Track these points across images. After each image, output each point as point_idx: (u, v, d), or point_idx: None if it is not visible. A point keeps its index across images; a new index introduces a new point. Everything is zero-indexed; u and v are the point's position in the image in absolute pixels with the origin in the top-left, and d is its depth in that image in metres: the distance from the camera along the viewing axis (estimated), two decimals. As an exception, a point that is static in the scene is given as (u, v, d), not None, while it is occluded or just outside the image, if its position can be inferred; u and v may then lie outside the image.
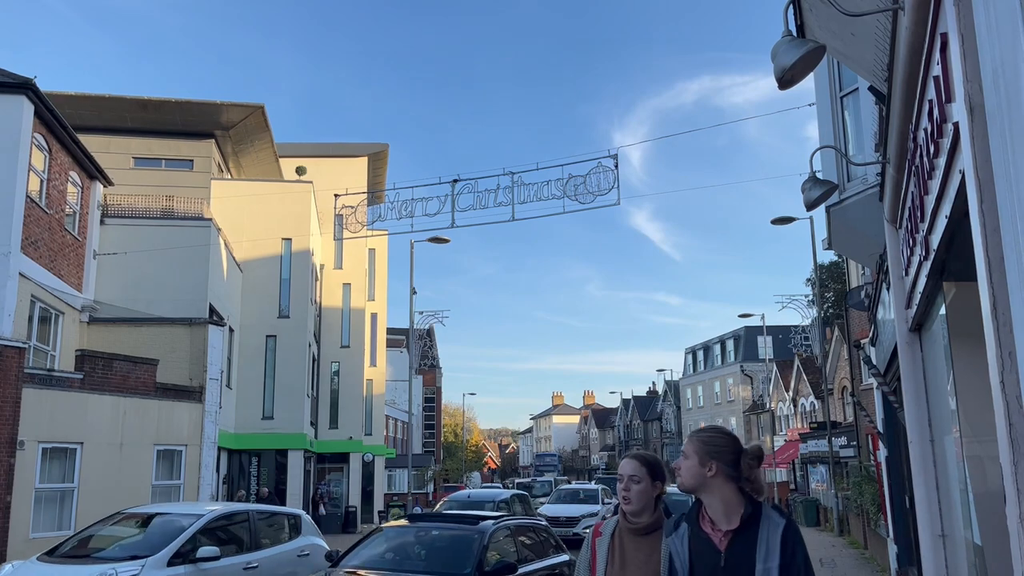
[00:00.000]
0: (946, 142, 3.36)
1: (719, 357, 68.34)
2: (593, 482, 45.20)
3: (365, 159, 36.85)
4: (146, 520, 10.55)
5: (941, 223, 3.94)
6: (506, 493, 20.56)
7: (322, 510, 31.27)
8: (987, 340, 2.63)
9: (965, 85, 2.71)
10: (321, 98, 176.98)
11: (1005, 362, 2.45)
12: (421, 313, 35.06)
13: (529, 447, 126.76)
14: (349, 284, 36.46)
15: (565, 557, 9.93)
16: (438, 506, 20.25)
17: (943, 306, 5.16)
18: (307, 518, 12.53)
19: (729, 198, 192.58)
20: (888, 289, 8.09)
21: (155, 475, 18.55)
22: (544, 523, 10.97)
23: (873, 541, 19.62)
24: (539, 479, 48.96)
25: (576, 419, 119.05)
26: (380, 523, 20.44)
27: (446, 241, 26.09)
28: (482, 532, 8.39)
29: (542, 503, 28.75)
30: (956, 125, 3.04)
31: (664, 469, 3.30)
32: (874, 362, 12.39)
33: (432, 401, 68.02)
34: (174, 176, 27.93)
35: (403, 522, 9.70)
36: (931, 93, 3.67)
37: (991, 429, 2.76)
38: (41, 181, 17.38)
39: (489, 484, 62.47)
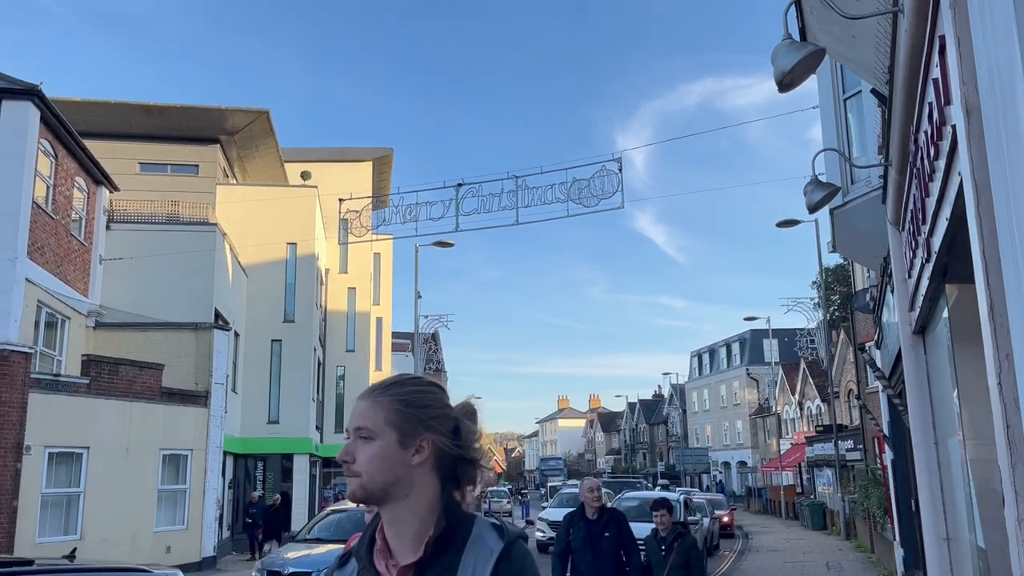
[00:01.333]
0: (945, 144, 3.36)
1: (725, 360, 68.20)
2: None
3: (370, 164, 36.93)
4: None
5: (942, 225, 3.94)
6: None
7: None
8: (985, 342, 2.63)
9: (962, 88, 2.72)
10: (326, 103, 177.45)
11: (1002, 364, 2.45)
12: (426, 317, 35.04)
13: (535, 451, 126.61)
14: (354, 288, 36.50)
15: None
16: (315, 519, 16.14)
17: (946, 308, 5.15)
18: None
19: (733, 200, 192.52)
20: (892, 292, 8.08)
21: (161, 480, 18.59)
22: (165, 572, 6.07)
23: (880, 545, 19.54)
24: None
25: (582, 423, 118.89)
26: None
27: (450, 245, 26.09)
28: None
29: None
30: (954, 127, 3.05)
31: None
32: (879, 365, 12.36)
33: (438, 405, 67.95)
34: (179, 181, 28.02)
35: None
36: (931, 96, 3.67)
37: (993, 432, 2.76)
38: (47, 187, 17.45)
39: (494, 488, 62.35)
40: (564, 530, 7.09)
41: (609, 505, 8.22)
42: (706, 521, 21.82)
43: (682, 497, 20.13)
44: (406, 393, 1.62)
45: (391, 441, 1.57)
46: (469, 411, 1.68)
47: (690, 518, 18.17)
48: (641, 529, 7.84)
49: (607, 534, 6.79)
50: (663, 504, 7.69)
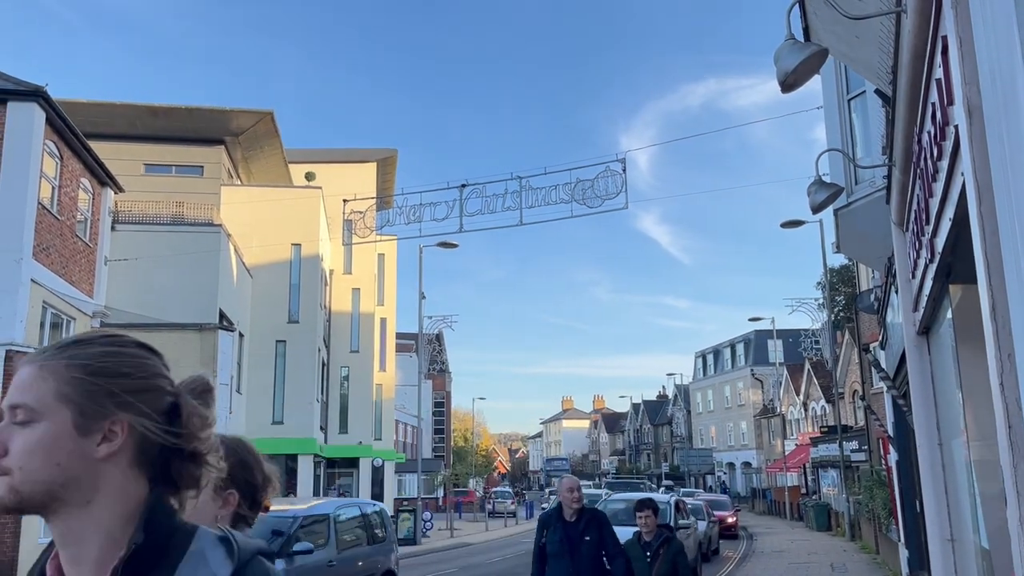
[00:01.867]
0: (948, 145, 3.36)
1: (729, 361, 68.16)
2: (603, 486, 45.14)
3: (374, 164, 36.99)
4: None
5: (945, 226, 3.93)
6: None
7: None
8: (987, 342, 2.63)
9: (964, 88, 2.71)
10: (330, 104, 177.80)
11: (1004, 364, 2.45)
12: (430, 318, 35.12)
13: (539, 452, 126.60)
14: (358, 289, 36.57)
15: None
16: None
17: (950, 309, 5.15)
18: None
19: (737, 201, 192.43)
20: (896, 292, 8.07)
21: (165, 480, 18.61)
22: None
23: (884, 546, 19.50)
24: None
25: (586, 423, 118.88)
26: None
27: (454, 246, 26.12)
28: None
29: None
30: (957, 128, 3.05)
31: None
32: (883, 366, 12.34)
33: (442, 405, 68.12)
34: (184, 182, 28.10)
35: None
36: (934, 96, 3.67)
37: (996, 432, 2.76)
38: (52, 188, 17.50)
39: (499, 489, 62.40)
40: (539, 532, 6.47)
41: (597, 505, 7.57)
42: (702, 525, 20.52)
43: (673, 499, 18.77)
44: (91, 356, 1.12)
45: (63, 424, 1.08)
46: (200, 387, 1.20)
47: (681, 522, 17.02)
48: (625, 534, 7.02)
49: (587, 538, 6.15)
50: (647, 505, 7.05)
